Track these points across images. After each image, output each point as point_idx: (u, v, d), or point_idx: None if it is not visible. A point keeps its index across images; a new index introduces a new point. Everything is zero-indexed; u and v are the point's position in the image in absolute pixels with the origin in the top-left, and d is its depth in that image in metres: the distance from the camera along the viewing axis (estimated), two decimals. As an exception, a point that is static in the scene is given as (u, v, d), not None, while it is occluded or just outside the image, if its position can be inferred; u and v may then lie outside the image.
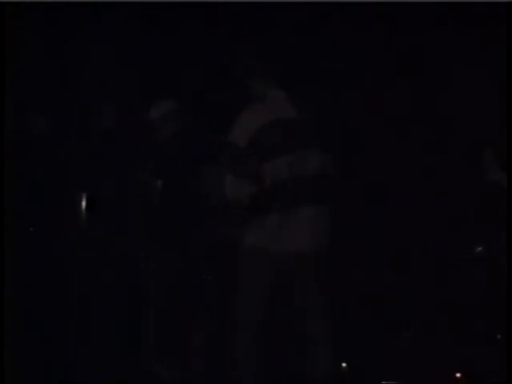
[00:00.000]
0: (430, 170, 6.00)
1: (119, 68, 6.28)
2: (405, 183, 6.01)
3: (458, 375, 5.44)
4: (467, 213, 5.79)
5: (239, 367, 4.52)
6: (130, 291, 5.77)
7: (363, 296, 5.81)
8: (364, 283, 5.84)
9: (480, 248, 5.44)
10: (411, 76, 6.08)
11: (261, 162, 4.44)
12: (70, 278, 5.73)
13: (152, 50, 6.34)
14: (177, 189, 5.46)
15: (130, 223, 5.74)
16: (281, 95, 4.58)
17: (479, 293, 5.35)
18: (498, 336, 5.19)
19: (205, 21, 6.28)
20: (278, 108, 4.53)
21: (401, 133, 6.05)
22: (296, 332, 4.63)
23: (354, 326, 5.58)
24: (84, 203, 5.74)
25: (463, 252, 5.73)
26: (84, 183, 5.76)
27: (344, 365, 5.51)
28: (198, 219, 5.38)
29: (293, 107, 4.55)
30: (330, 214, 4.59)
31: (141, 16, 6.29)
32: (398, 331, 5.72)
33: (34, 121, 5.86)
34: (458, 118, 6.06)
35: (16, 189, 5.49)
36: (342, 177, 4.72)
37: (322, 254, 4.55)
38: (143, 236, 5.71)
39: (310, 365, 4.53)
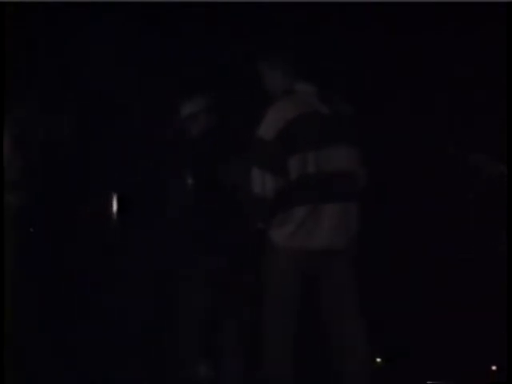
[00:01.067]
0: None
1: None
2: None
3: (494, 368, 5.41)
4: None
5: (272, 366, 4.52)
6: (160, 290, 5.79)
7: (393, 292, 5.79)
8: (394, 279, 5.83)
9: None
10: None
11: (288, 156, 4.43)
12: (102, 277, 5.77)
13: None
14: (204, 185, 5.42)
15: (160, 221, 5.76)
16: (308, 89, 4.58)
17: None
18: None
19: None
20: (306, 102, 4.53)
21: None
22: (324, 329, 4.61)
23: (385, 322, 5.57)
24: (115, 203, 5.78)
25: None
26: (114, 183, 5.80)
27: (378, 360, 5.49)
28: (227, 215, 5.34)
29: (320, 102, 4.55)
30: (358, 210, 4.58)
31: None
32: (431, 326, 5.68)
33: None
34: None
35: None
36: (371, 172, 4.71)
37: (350, 250, 4.54)
38: (173, 233, 5.71)
39: (343, 362, 4.52)
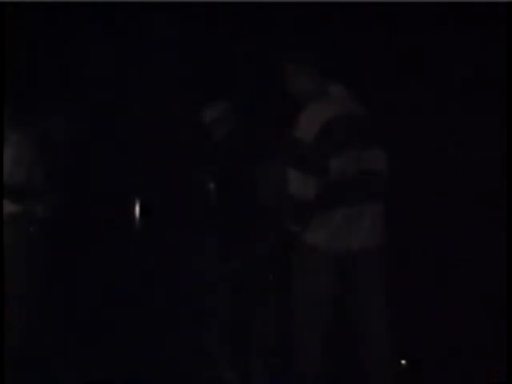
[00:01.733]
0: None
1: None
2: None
3: None
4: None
5: (300, 367, 4.51)
6: (189, 293, 5.80)
7: (426, 294, 5.79)
8: (427, 281, 5.82)
9: None
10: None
11: (328, 157, 4.43)
12: (125, 279, 5.80)
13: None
14: (237, 188, 5.41)
15: (189, 224, 5.78)
16: (342, 91, 4.58)
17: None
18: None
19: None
20: (341, 104, 4.52)
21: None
22: (357, 331, 4.60)
23: (415, 324, 5.56)
24: (138, 208, 5.81)
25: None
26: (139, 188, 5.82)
27: (403, 362, 5.48)
28: (261, 218, 5.33)
29: (355, 103, 4.55)
30: (394, 211, 4.57)
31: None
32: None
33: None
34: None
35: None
36: (406, 174, 4.70)
37: (386, 252, 4.53)
38: (203, 236, 5.71)
39: (371, 363, 4.52)
